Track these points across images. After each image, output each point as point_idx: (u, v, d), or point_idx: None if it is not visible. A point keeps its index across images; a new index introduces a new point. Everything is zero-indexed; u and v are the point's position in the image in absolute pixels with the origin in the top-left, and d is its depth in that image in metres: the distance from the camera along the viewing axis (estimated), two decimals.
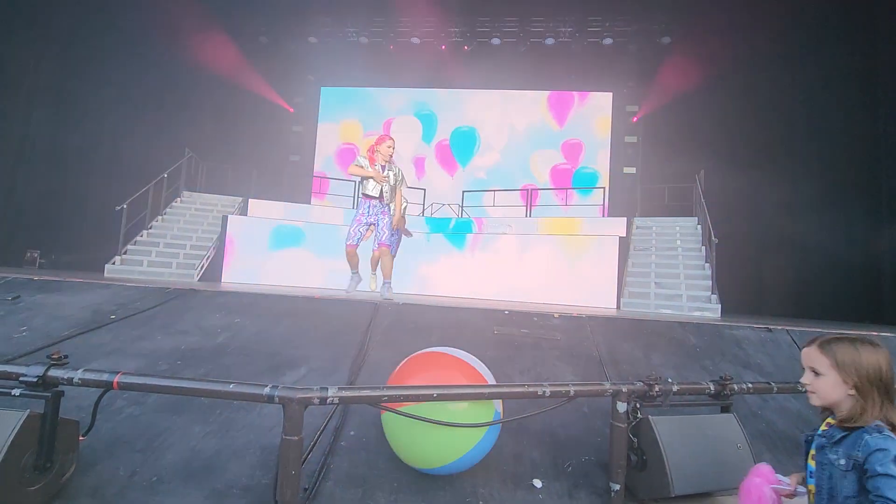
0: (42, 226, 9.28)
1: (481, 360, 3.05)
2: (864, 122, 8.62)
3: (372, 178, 4.89)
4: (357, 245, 5.03)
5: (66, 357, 1.76)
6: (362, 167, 4.88)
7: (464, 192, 12.10)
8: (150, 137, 10.48)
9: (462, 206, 11.55)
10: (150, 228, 8.39)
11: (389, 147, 4.95)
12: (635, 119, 12.68)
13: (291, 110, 13.77)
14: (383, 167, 4.95)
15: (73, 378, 1.68)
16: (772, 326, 3.92)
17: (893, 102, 8.05)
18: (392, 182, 5.00)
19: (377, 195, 4.96)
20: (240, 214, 9.05)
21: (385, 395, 1.74)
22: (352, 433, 2.24)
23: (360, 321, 3.54)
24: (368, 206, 4.99)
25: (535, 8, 11.92)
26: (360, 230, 4.99)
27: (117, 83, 9.74)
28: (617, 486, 1.98)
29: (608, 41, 12.11)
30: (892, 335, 3.85)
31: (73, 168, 9.59)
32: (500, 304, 5.23)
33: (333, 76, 13.57)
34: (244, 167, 10.68)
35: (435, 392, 1.80)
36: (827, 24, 9.04)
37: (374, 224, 5.00)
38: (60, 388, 1.71)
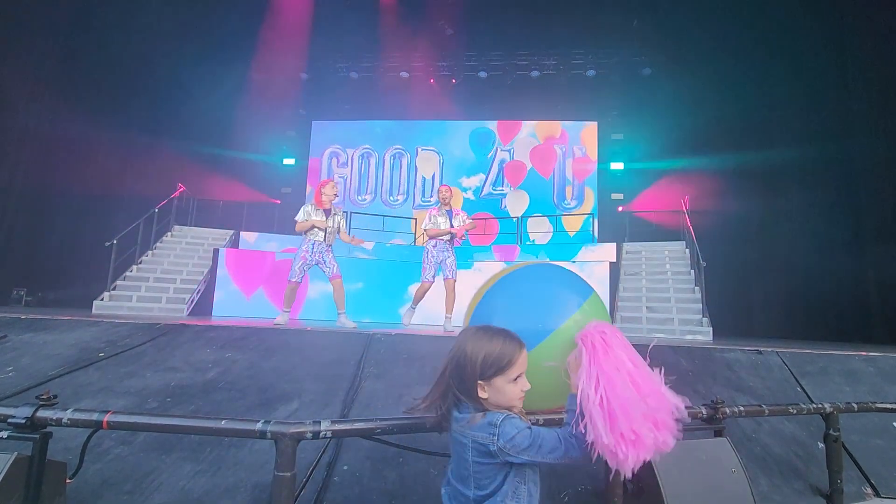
0: (28, 263, 9.18)
1: None
2: (845, 145, 8.89)
3: (315, 226, 5.23)
4: (300, 283, 5.35)
5: (55, 397, 1.74)
6: (305, 220, 5.24)
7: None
8: (141, 172, 10.53)
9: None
10: (140, 263, 8.34)
11: (333, 188, 5.38)
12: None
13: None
14: (327, 211, 5.31)
15: (62, 418, 1.65)
16: (762, 349, 3.95)
17: (867, 124, 8.35)
18: (334, 224, 5.35)
19: (321, 238, 5.30)
20: (231, 247, 9.05)
21: (378, 427, 1.73)
22: (345, 467, 2.21)
23: (352, 353, 3.52)
24: (312, 246, 5.26)
25: (519, 42, 12.36)
26: (304, 269, 5.29)
27: (107, 118, 9.82)
28: None
29: (591, 73, 12.52)
30: (881, 355, 3.89)
31: (60, 204, 9.57)
32: None
33: (324, 110, 13.83)
34: (235, 200, 10.73)
35: (428, 423, 1.79)
36: (803, 50, 9.41)
37: (321, 262, 5.29)
38: (49, 429, 1.68)
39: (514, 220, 11.67)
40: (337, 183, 5.68)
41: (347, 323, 5.22)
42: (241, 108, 12.54)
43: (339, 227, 5.43)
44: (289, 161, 13.95)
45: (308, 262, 5.27)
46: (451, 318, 5.42)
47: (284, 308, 5.32)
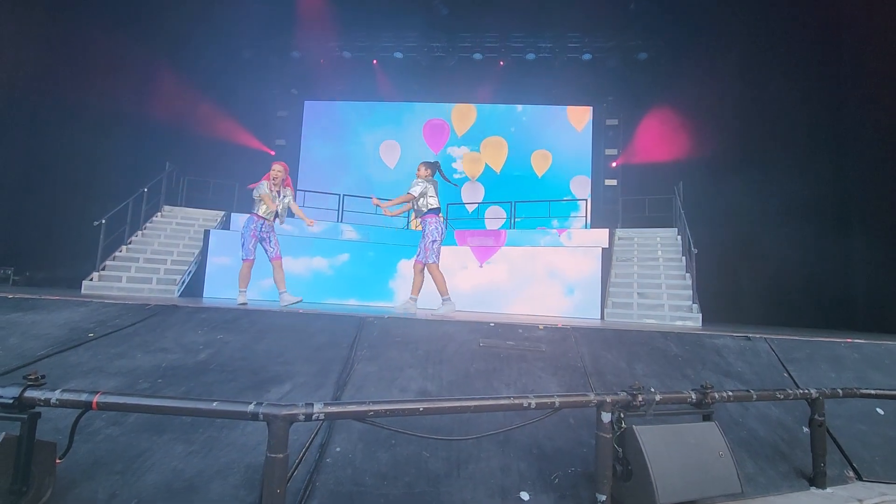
0: (16, 242, 9.02)
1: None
2: (834, 136, 8.92)
3: (265, 203, 5.45)
4: (253, 261, 5.53)
5: (43, 377, 1.72)
6: (266, 193, 5.46)
7: (448, 204, 12.17)
8: (130, 151, 10.33)
9: (447, 219, 11.61)
10: (130, 244, 8.23)
11: (279, 171, 5.56)
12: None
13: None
14: (279, 192, 5.55)
15: (50, 399, 1.64)
16: (751, 335, 4.00)
17: (859, 115, 8.37)
18: (281, 206, 5.57)
19: (271, 217, 5.56)
20: (222, 228, 8.95)
21: (371, 410, 1.73)
22: (338, 449, 2.22)
23: (345, 336, 3.51)
24: (261, 225, 5.50)
25: (514, 24, 12.18)
26: (255, 245, 5.51)
27: (95, 95, 9.59)
28: (603, 497, 2.00)
29: (587, 56, 12.40)
30: (866, 342, 3.96)
31: (48, 182, 9.37)
32: (486, 317, 5.24)
33: (317, 90, 13.62)
34: (226, 180, 10.59)
35: (421, 406, 1.81)
36: (797, 40, 9.36)
37: (266, 241, 5.53)
38: (37, 409, 1.67)
39: (504, 203, 11.66)
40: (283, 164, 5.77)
41: (291, 298, 5.44)
42: (231, 87, 12.30)
43: (287, 206, 5.66)
44: (280, 142, 13.76)
45: (256, 237, 5.48)
46: (416, 299, 5.45)
47: (242, 288, 5.49)
